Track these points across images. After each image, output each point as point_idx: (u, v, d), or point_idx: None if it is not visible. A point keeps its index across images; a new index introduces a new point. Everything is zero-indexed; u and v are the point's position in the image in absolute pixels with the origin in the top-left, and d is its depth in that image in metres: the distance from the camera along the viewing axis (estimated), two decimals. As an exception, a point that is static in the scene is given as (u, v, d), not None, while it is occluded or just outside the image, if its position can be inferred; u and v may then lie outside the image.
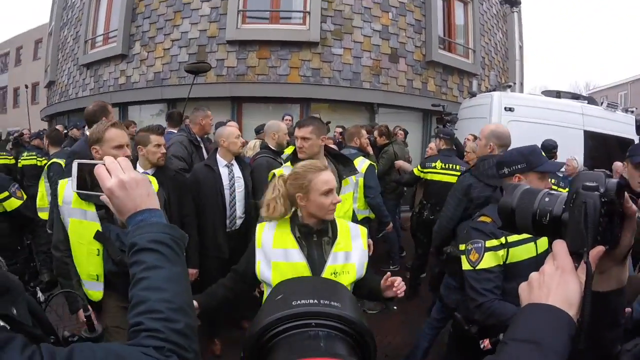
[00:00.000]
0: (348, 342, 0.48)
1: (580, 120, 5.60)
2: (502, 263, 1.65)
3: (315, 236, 1.55)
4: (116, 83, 8.32)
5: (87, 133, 2.23)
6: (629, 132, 5.91)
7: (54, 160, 3.14)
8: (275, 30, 7.06)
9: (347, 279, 1.53)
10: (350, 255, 1.56)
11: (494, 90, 6.08)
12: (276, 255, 1.50)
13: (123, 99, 8.20)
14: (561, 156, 4.32)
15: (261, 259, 1.52)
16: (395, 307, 3.60)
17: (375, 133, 4.64)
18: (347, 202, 2.39)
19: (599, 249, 0.58)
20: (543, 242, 1.73)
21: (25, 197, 2.41)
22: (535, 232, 0.66)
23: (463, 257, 1.74)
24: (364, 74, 6.96)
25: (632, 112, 6.24)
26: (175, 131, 3.81)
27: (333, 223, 1.60)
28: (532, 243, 1.71)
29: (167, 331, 0.62)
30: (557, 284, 0.57)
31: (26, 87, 11.67)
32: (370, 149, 3.92)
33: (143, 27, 7.94)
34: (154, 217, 0.73)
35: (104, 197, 0.76)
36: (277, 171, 2.27)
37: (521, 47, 10.53)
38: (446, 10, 8.04)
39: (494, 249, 1.65)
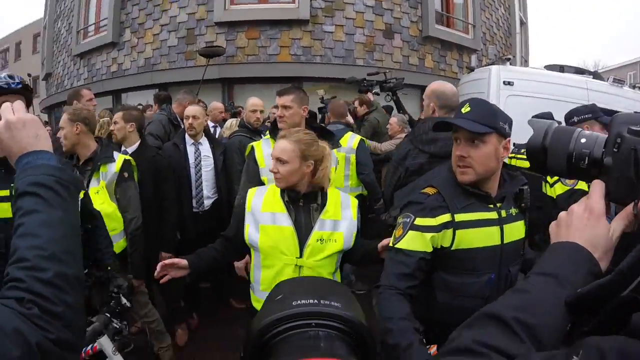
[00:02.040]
0: (348, 342, 0.48)
1: (585, 95, 5.01)
2: (431, 249, 1.24)
3: (302, 201, 1.53)
4: (108, 71, 8.11)
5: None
6: (638, 108, 5.54)
7: None
8: (264, 10, 6.73)
9: (333, 247, 1.51)
10: (338, 223, 1.53)
11: (493, 64, 5.73)
12: (264, 218, 1.49)
13: (115, 86, 7.98)
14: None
15: (250, 222, 1.51)
16: None
17: (356, 103, 4.35)
18: (336, 175, 2.47)
19: None
20: (514, 229, 1.33)
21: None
22: (570, 174, 0.62)
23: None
24: (357, 51, 6.61)
25: None
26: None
27: (323, 191, 1.57)
28: (496, 227, 1.29)
29: (30, 280, 0.56)
30: (584, 226, 0.56)
31: (29, 75, 11.30)
32: (351, 119, 3.75)
33: (132, 14, 7.69)
34: (40, 159, 0.66)
35: None
36: (255, 144, 2.21)
37: (524, 23, 9.98)
38: (444, -17, 7.58)
39: (424, 229, 1.25)
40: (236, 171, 2.78)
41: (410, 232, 1.24)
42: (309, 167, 1.50)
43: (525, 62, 9.37)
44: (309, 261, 1.46)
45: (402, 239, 1.24)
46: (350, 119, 3.82)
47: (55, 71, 10.33)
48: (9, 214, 1.27)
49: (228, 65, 6.61)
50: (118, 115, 2.57)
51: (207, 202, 2.80)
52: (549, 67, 6.01)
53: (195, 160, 2.79)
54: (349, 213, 1.57)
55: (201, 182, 2.80)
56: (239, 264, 1.99)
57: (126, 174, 2.16)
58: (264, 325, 0.48)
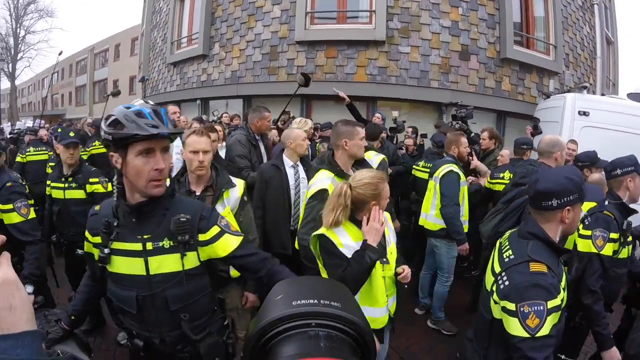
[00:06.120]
0: (348, 343, 0.46)
1: (671, 130, 4.54)
2: (559, 321, 1.28)
3: None
4: (198, 80, 8.67)
5: None
6: None
7: None
8: (342, 30, 6.78)
9: (393, 257, 1.74)
10: (390, 237, 1.78)
11: (569, 91, 5.27)
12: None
13: (204, 94, 8.54)
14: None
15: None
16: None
17: (485, 134, 4.09)
18: None
19: None
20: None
21: (31, 217, 2.16)
22: None
23: (513, 320, 1.25)
24: (433, 73, 6.39)
25: None
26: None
27: None
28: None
29: None
30: None
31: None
32: (473, 157, 3.53)
33: (221, 29, 8.13)
34: (19, 347, 0.49)
35: None
36: (328, 186, 2.08)
37: (612, 43, 8.84)
38: (523, 2, 7.01)
39: (556, 309, 1.24)
40: None
41: (548, 318, 1.22)
42: None
43: (613, 86, 8.38)
44: (388, 272, 1.70)
45: (541, 327, 1.21)
46: (464, 154, 3.42)
47: (151, 75, 11.25)
48: (143, 271, 1.15)
49: (307, 82, 6.77)
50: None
51: (299, 222, 2.84)
52: (632, 96, 5.38)
53: (296, 182, 2.80)
54: (390, 226, 1.81)
55: (299, 203, 2.77)
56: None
57: (246, 198, 2.12)
58: (264, 325, 0.46)
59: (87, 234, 1.27)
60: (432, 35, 6.46)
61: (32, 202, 2.32)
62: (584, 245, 1.93)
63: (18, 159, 4.54)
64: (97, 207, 1.27)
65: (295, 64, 6.96)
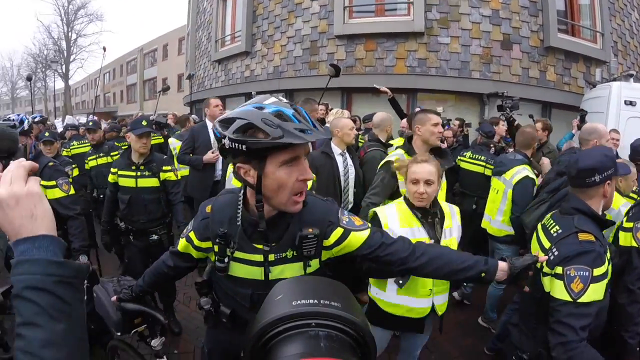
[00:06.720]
0: (348, 343, 0.46)
1: None
2: (603, 297, 1.30)
3: (431, 217, 1.68)
4: (242, 76, 9.12)
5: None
6: None
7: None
8: (381, 23, 6.88)
9: None
10: (452, 230, 1.71)
11: (614, 80, 5.06)
12: (404, 233, 1.50)
13: (247, 89, 8.95)
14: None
15: None
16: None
17: (539, 125, 3.89)
18: (442, 190, 2.31)
19: None
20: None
21: (71, 192, 2.32)
22: None
23: (558, 283, 1.29)
24: (473, 63, 6.35)
25: None
26: None
27: (438, 204, 1.73)
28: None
29: None
30: None
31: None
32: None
33: (262, 27, 8.47)
34: (37, 248, 0.54)
35: None
36: (395, 159, 2.23)
37: None
38: (568, -12, 6.75)
39: (601, 278, 1.27)
40: None
41: (591, 285, 1.26)
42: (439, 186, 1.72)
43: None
44: None
45: (584, 293, 1.25)
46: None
47: (197, 72, 11.93)
48: (261, 277, 1.08)
49: (347, 75, 6.94)
50: None
51: (349, 207, 2.91)
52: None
53: (345, 169, 2.89)
54: (456, 219, 1.75)
55: (348, 190, 2.91)
56: None
57: (314, 192, 2.16)
58: (264, 325, 0.46)
59: (192, 235, 1.16)
60: (472, 24, 6.42)
61: (71, 180, 2.56)
62: (625, 239, 1.73)
63: (64, 153, 4.56)
64: (208, 209, 1.15)
65: (335, 57, 7.18)
